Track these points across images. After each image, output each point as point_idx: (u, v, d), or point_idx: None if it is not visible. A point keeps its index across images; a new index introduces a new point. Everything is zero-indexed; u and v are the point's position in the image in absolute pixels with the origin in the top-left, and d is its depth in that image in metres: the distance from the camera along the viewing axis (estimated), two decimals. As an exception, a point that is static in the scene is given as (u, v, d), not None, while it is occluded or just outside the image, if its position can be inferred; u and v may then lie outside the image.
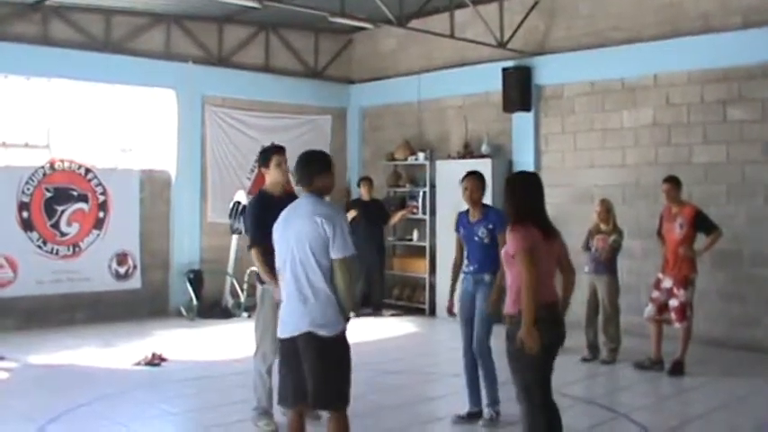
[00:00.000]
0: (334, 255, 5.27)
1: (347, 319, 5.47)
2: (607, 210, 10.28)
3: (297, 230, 5.39)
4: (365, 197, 14.15)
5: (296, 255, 5.38)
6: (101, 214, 13.11)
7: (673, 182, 9.68)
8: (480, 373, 7.48)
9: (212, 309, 13.75)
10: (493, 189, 11.78)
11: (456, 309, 7.75)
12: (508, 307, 5.66)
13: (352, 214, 13.72)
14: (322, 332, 5.31)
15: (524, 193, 5.71)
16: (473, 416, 7.53)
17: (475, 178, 7.58)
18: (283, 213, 5.60)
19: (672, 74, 11.71)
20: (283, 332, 5.49)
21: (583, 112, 12.71)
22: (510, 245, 5.57)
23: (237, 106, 14.89)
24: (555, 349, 5.63)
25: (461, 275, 7.67)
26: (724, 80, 11.20)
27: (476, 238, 7.47)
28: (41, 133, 12.86)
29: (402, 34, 14.75)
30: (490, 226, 7.41)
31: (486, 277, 7.37)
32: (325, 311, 5.31)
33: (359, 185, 14.42)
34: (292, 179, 6.31)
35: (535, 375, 5.54)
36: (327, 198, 5.69)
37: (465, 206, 7.70)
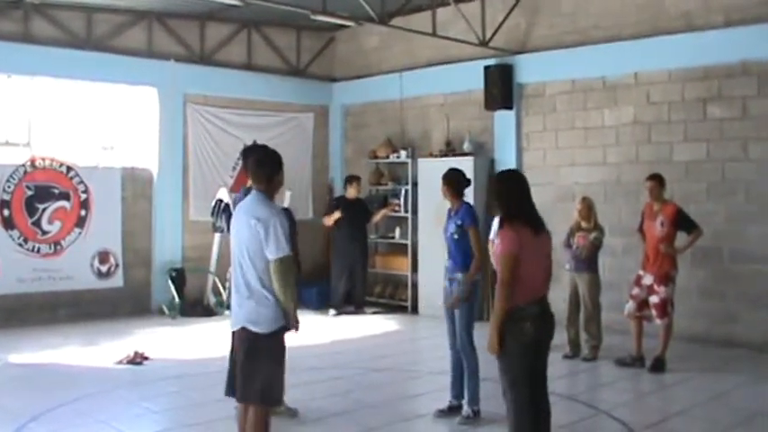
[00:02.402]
0: (269, 256, 5.38)
1: (291, 320, 5.53)
2: (588, 207, 10.32)
3: (238, 229, 5.59)
4: (351, 196, 14.14)
5: (236, 253, 5.58)
6: (82, 212, 13.08)
7: (656, 179, 9.72)
8: (464, 369, 7.53)
9: (194, 307, 13.73)
10: (475, 187, 11.86)
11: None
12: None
13: (336, 216, 13.76)
14: (254, 328, 5.45)
15: (512, 191, 5.78)
16: (454, 409, 7.60)
17: (443, 177, 7.76)
18: (237, 208, 5.77)
19: (653, 72, 11.78)
20: (231, 325, 5.70)
21: (564, 111, 12.76)
22: (498, 245, 5.62)
23: (219, 104, 14.86)
24: (544, 345, 5.68)
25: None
26: (704, 78, 11.27)
27: (447, 234, 7.65)
28: (22, 131, 12.78)
29: (384, 32, 14.77)
30: (459, 222, 7.53)
31: (459, 275, 7.49)
32: (258, 309, 5.44)
33: (346, 183, 14.38)
34: None
35: (521, 371, 5.56)
36: (288, 192, 5.84)
37: (446, 204, 7.85)
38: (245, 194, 7.24)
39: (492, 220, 9.97)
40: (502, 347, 5.52)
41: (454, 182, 7.70)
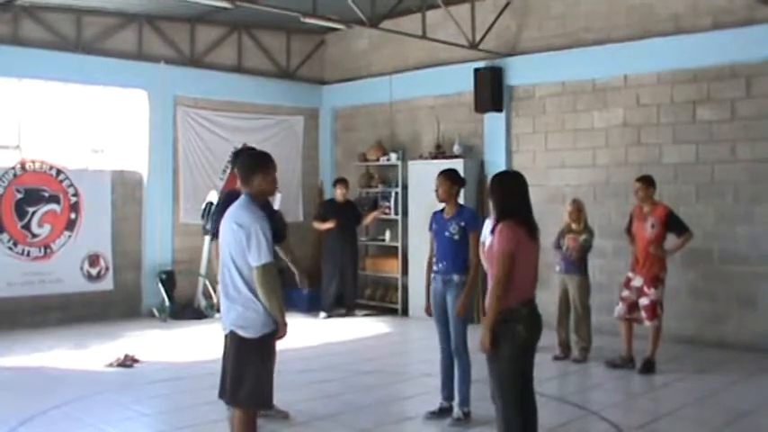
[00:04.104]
0: (252, 263, 5.34)
1: (280, 326, 5.49)
2: (578, 209, 10.35)
3: (224, 233, 5.56)
4: (339, 198, 14.14)
5: (223, 256, 5.55)
6: (72, 215, 13.05)
7: (644, 181, 9.74)
8: (456, 371, 7.54)
9: (185, 310, 13.71)
10: (465, 189, 11.84)
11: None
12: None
13: (329, 225, 13.77)
14: (242, 332, 5.43)
15: (511, 192, 5.81)
16: (444, 411, 7.60)
17: (443, 176, 7.67)
18: (227, 212, 5.70)
19: (642, 74, 11.82)
20: (222, 328, 5.66)
21: (554, 113, 12.80)
22: (495, 244, 5.62)
23: (210, 107, 14.86)
24: (533, 346, 5.70)
25: (432, 274, 7.71)
26: (693, 81, 11.32)
27: (446, 234, 7.52)
28: (12, 134, 12.76)
29: (374, 35, 14.77)
30: (462, 223, 7.48)
31: (455, 278, 7.45)
32: (245, 313, 5.41)
33: (334, 186, 14.40)
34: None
35: (511, 373, 5.58)
36: (278, 195, 5.75)
37: (439, 206, 7.79)
38: (227, 198, 7.27)
39: (484, 221, 9.93)
40: (494, 348, 5.54)
41: (458, 180, 7.68)
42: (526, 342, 5.60)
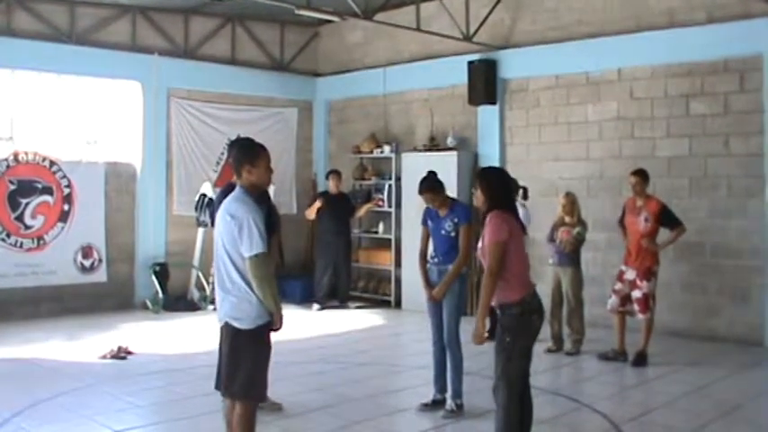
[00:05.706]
0: (244, 253, 5.32)
1: (276, 317, 5.48)
2: (572, 202, 10.36)
3: (218, 225, 5.55)
4: (333, 190, 14.13)
5: (217, 248, 5.54)
6: (66, 207, 13.03)
7: (640, 175, 9.75)
8: (448, 363, 7.56)
9: (178, 302, 13.70)
10: (458, 181, 11.90)
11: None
12: (501, 297, 5.71)
13: (317, 206, 13.77)
14: (236, 324, 5.44)
15: (500, 185, 5.85)
16: (438, 403, 7.62)
17: (430, 192, 7.62)
18: (222, 203, 5.70)
19: (636, 68, 11.83)
20: (218, 320, 5.67)
21: (548, 106, 12.81)
22: (486, 234, 5.64)
23: (203, 99, 14.84)
24: (536, 337, 5.76)
25: (428, 265, 7.74)
26: (687, 75, 11.34)
27: (443, 232, 7.58)
28: (5, 125, 12.67)
29: (368, 27, 14.76)
30: (455, 219, 7.54)
31: (451, 268, 7.47)
32: (240, 304, 5.41)
33: (327, 178, 14.38)
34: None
35: (520, 365, 5.63)
36: (272, 187, 5.71)
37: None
38: (226, 191, 7.27)
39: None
40: (511, 341, 5.57)
41: (436, 189, 7.67)
42: (537, 332, 5.69)
